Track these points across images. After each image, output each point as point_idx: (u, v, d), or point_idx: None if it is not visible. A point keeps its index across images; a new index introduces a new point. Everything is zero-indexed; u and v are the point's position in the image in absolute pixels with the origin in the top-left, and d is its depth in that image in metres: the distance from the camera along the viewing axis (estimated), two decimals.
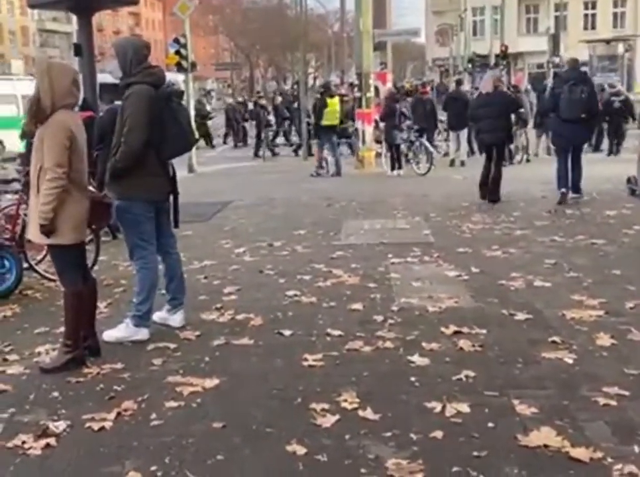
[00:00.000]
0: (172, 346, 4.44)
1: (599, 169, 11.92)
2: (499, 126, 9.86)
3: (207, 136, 25.43)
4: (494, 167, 9.99)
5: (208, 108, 27.11)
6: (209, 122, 25.84)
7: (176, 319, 4.84)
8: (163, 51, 48.67)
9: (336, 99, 15.07)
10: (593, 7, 47.23)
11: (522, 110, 15.05)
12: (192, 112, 17.86)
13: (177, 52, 17.09)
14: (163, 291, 4.90)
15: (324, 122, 14.97)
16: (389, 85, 18.64)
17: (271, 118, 23.27)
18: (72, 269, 4.20)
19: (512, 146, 15.16)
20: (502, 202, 9.72)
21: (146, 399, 3.67)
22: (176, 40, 17.34)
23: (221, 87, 65.29)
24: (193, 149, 17.01)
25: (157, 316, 4.84)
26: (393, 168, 14.70)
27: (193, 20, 21.22)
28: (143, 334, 4.60)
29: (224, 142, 26.02)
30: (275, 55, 70.53)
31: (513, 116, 11.11)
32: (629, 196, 9.68)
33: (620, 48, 28.19)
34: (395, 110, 14.58)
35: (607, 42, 29.39)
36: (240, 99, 28.19)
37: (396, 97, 15.25)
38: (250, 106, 26.05)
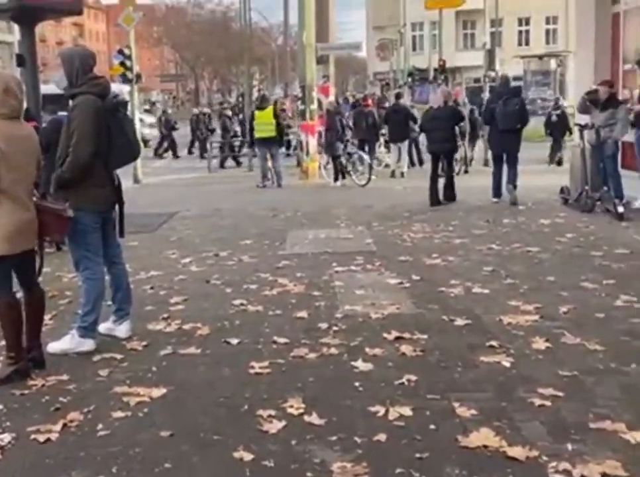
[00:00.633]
0: (119, 356, 4.44)
1: (536, 179, 12.32)
2: (447, 137, 10.91)
3: (173, 147, 25.50)
4: (446, 172, 11.05)
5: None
6: (174, 133, 25.95)
7: (122, 330, 4.84)
8: (107, 62, 48.12)
9: (268, 111, 15.17)
10: (527, 24, 49.09)
11: (462, 123, 15.48)
12: (137, 123, 17.77)
13: (122, 63, 17.00)
14: (110, 302, 4.90)
15: (257, 135, 15.19)
16: (332, 98, 18.84)
17: (238, 128, 23.43)
18: (3, 280, 4.10)
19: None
20: (441, 210, 10.08)
21: (92, 409, 3.67)
22: (120, 52, 17.25)
23: (166, 98, 64.83)
24: (139, 159, 16.97)
25: (103, 327, 4.83)
26: (336, 179, 14.89)
27: (137, 31, 21.10)
28: (89, 345, 4.58)
29: (190, 152, 25.85)
30: (220, 68, 70.50)
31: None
32: (562, 205, 10.04)
33: (552, 63, 29.01)
34: (336, 122, 14.82)
35: (540, 57, 30.21)
36: (205, 110, 28.12)
37: (338, 110, 15.47)
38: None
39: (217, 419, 3.52)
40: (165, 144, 25.94)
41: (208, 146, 22.03)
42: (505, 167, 10.75)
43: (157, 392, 3.84)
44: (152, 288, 6.20)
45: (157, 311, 5.45)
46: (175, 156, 25.35)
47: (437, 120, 10.93)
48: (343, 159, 14.81)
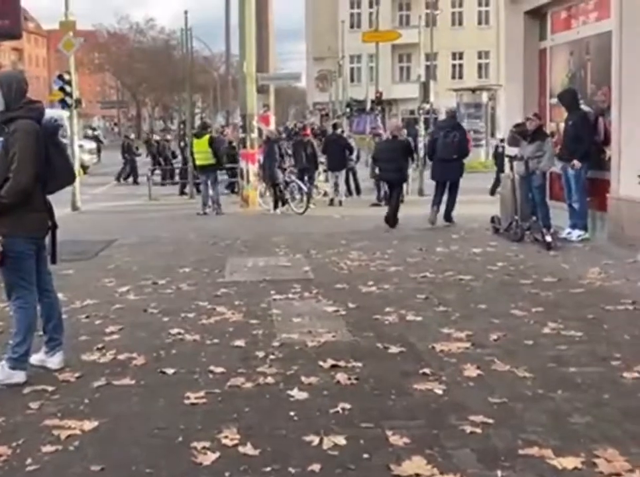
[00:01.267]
0: (50, 388, 4.35)
1: (470, 209, 12.63)
2: (397, 167, 11.98)
3: (134, 173, 25.40)
4: (393, 200, 12.01)
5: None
6: (137, 159, 25.93)
7: (55, 361, 4.74)
8: (47, 87, 47.49)
9: (204, 139, 15.27)
10: (461, 58, 51.01)
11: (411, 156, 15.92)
12: (76, 149, 17.59)
13: (62, 89, 16.84)
14: (41, 333, 4.81)
15: (197, 162, 15.40)
16: (272, 126, 18.99)
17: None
18: None
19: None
20: (377, 239, 10.35)
21: (21, 443, 3.58)
22: (60, 77, 17.09)
23: (107, 125, 64.19)
24: (77, 186, 16.76)
25: (35, 358, 4.73)
26: (275, 207, 15.00)
27: (78, 57, 20.93)
28: (19, 377, 4.48)
29: (124, 179, 25.65)
30: (162, 95, 70.25)
31: None
32: (493, 234, 10.31)
33: (484, 96, 29.80)
34: (276, 151, 14.99)
35: (473, 90, 30.98)
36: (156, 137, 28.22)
37: (277, 138, 15.64)
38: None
39: (150, 451, 3.48)
40: (128, 170, 25.77)
41: (149, 172, 21.91)
42: (445, 195, 11.70)
43: (89, 425, 3.78)
44: (87, 317, 6.11)
45: (91, 341, 5.36)
46: (135, 182, 25.14)
47: (388, 152, 12.10)
48: (282, 188, 14.94)
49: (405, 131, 13.61)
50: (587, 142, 9.32)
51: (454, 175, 11.60)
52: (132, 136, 32.57)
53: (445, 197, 11.76)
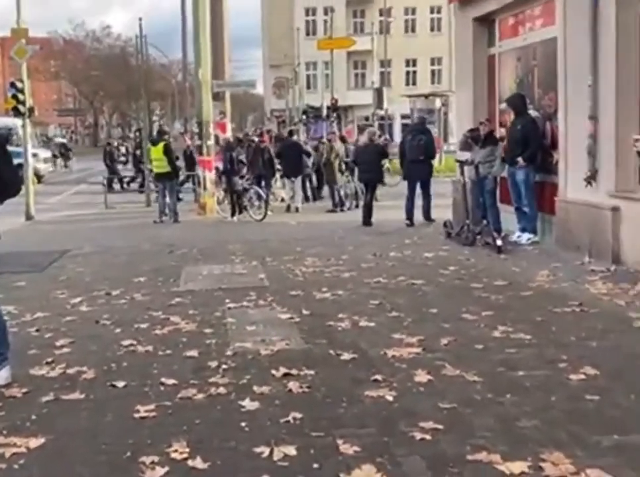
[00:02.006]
0: None
1: (418, 212, 12.80)
2: (373, 169, 13.16)
3: (120, 179, 25.49)
4: (368, 198, 13.08)
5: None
6: (120, 166, 25.80)
7: (1, 376, 4.65)
8: (2, 95, 46.76)
9: (159, 147, 15.20)
10: (414, 65, 51.66)
11: (349, 159, 16.35)
12: (30, 158, 17.34)
13: (14, 96, 16.60)
14: None
15: (154, 170, 15.41)
16: (229, 134, 18.96)
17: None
18: None
19: (342, 193, 16.22)
20: (331, 245, 10.48)
21: None
22: (13, 84, 16.86)
23: (64, 133, 63.33)
24: (32, 195, 16.52)
25: None
26: (233, 214, 14.98)
27: (32, 64, 20.72)
28: None
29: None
30: (119, 103, 69.68)
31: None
32: (445, 239, 10.43)
33: (437, 102, 30.24)
34: (232, 158, 14.99)
35: (426, 96, 31.38)
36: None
37: (232, 146, 15.65)
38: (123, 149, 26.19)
39: (98, 467, 3.43)
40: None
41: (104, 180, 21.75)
42: (416, 195, 12.66)
43: (35, 442, 3.70)
44: (37, 330, 6.01)
45: (41, 354, 5.27)
46: (122, 188, 25.21)
47: (365, 155, 13.31)
48: (240, 195, 14.94)
49: (375, 135, 14.42)
50: (535, 146, 9.48)
51: (422, 174, 12.52)
52: (116, 143, 32.34)
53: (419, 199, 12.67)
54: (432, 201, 12.77)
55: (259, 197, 14.82)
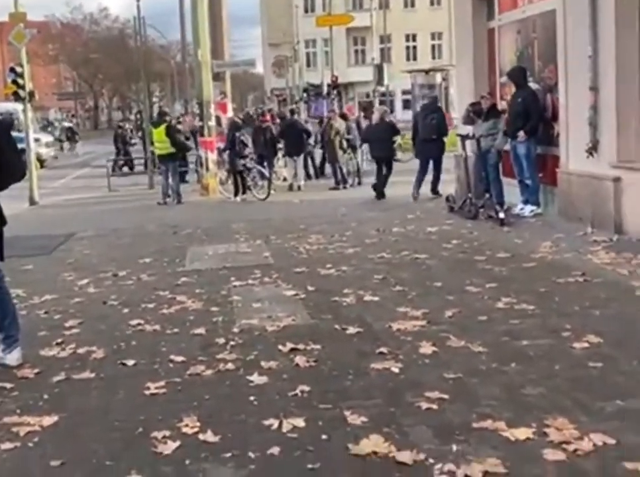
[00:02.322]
0: (8, 385, 4.33)
1: (426, 188, 12.83)
2: (385, 146, 13.58)
3: (131, 162, 25.38)
4: (385, 174, 13.45)
5: None
6: (131, 149, 25.84)
7: (12, 358, 4.71)
8: (2, 81, 46.66)
9: (161, 129, 15.19)
10: (414, 40, 51.20)
11: (350, 136, 16.38)
12: (32, 143, 17.36)
13: (14, 81, 16.58)
14: None
15: (156, 152, 15.39)
16: (230, 113, 18.91)
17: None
18: None
19: (344, 171, 16.28)
20: (336, 222, 10.47)
21: None
22: (12, 69, 16.84)
23: (64, 116, 63.23)
24: (35, 180, 16.56)
25: None
26: (236, 194, 15.00)
27: (31, 49, 20.67)
28: None
29: (119, 169, 25.31)
30: (119, 85, 69.43)
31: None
32: (448, 213, 10.46)
33: (438, 77, 30.00)
34: (235, 138, 14.97)
35: (427, 72, 31.12)
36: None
37: (237, 126, 15.62)
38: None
39: (111, 444, 3.50)
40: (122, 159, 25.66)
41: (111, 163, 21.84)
42: (428, 172, 12.89)
43: (48, 420, 3.77)
44: (46, 312, 6.07)
45: (50, 335, 5.34)
46: (131, 170, 25.08)
47: (376, 133, 13.71)
48: (244, 174, 14.95)
49: (386, 113, 14.90)
50: (535, 118, 9.46)
51: (434, 153, 12.73)
52: (127, 125, 32.27)
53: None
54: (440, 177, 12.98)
55: (262, 176, 14.84)
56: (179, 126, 19.42)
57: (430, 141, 12.63)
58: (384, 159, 13.55)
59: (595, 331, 4.66)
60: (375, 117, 14.36)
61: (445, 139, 13.24)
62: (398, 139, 16.56)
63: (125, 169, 25.29)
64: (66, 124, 45.02)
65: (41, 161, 25.78)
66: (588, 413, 3.49)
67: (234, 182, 15.18)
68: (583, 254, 7.13)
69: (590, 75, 8.22)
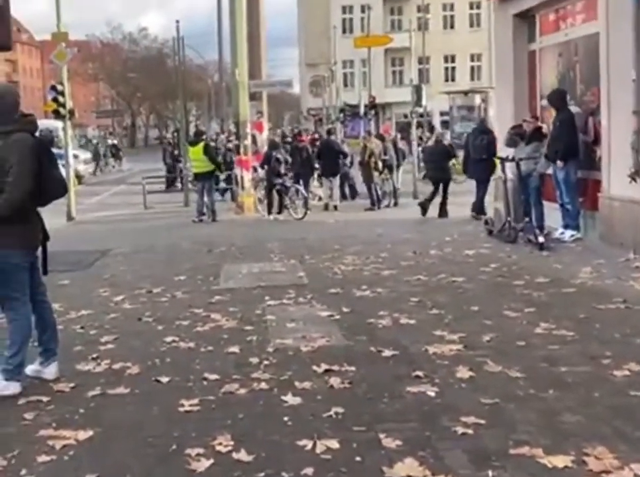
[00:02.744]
0: (45, 399, 4.36)
1: (464, 211, 12.77)
2: (441, 166, 14.46)
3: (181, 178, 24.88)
4: (442, 195, 14.22)
5: None
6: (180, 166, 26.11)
7: (50, 371, 4.76)
8: (42, 98, 47.65)
9: (198, 147, 15.33)
10: (453, 61, 51.28)
11: (387, 157, 16.42)
12: (71, 159, 17.64)
13: (55, 99, 16.90)
14: (36, 343, 4.83)
15: (192, 170, 15.56)
16: (266, 134, 19.03)
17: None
18: None
19: (380, 192, 16.30)
20: (371, 243, 10.44)
21: (16, 454, 3.60)
22: (53, 87, 17.17)
23: (102, 134, 64.44)
24: (73, 196, 16.81)
25: (30, 369, 4.75)
26: (270, 212, 15.06)
27: (72, 67, 21.09)
28: (15, 387, 4.50)
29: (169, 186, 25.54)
30: (156, 103, 70.43)
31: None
32: (487, 236, 10.38)
33: (477, 99, 29.99)
34: (271, 157, 15.09)
35: (465, 93, 31.17)
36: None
37: (274, 144, 15.73)
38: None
39: (145, 459, 3.50)
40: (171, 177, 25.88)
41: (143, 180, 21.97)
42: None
43: (84, 434, 3.79)
44: (82, 328, 6.12)
45: (86, 350, 5.38)
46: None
47: (433, 155, 14.74)
48: (283, 193, 15.05)
49: (446, 135, 16.58)
50: (571, 141, 9.34)
51: (482, 173, 13.16)
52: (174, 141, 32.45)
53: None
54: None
55: (299, 195, 14.90)
56: (212, 144, 19.64)
57: (479, 161, 13.02)
58: (440, 181, 14.19)
59: (636, 359, 4.56)
60: (432, 139, 15.48)
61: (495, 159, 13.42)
62: (454, 162, 16.90)
63: (178, 185, 25.22)
64: (110, 141, 45.79)
65: (79, 178, 26.17)
66: (629, 442, 3.42)
67: (268, 200, 15.24)
68: (624, 280, 7.02)
69: (634, 99, 8.13)
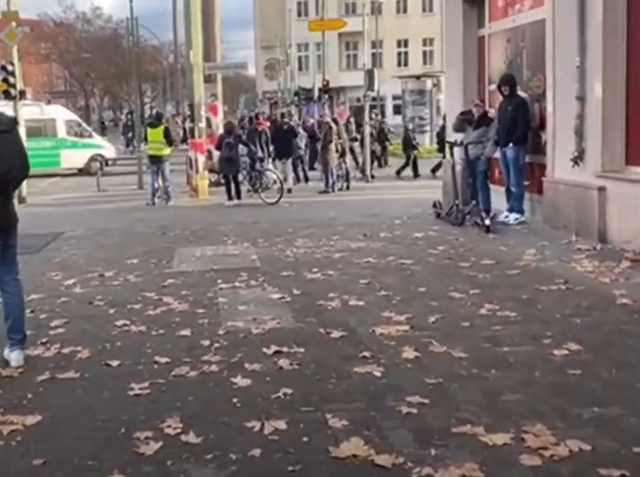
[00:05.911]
0: None
1: (415, 194, 12.91)
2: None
3: None
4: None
5: None
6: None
7: (13, 358, 4.73)
8: None
9: (158, 129, 15.18)
10: (406, 45, 51.39)
11: (341, 140, 16.39)
12: (24, 140, 17.29)
13: (5, 80, 16.54)
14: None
15: (148, 152, 15.37)
16: (221, 116, 18.87)
17: None
18: None
19: (335, 175, 16.31)
20: (322, 226, 10.47)
21: None
22: (3, 68, 16.78)
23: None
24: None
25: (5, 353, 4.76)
26: (230, 198, 14.93)
27: (23, 47, 20.60)
28: None
29: None
30: (111, 85, 69.17)
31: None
32: (435, 219, 10.52)
33: (428, 83, 30.10)
34: (232, 141, 14.92)
35: (417, 77, 31.27)
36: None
37: (228, 128, 15.56)
38: None
39: (93, 443, 3.52)
40: None
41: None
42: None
43: (32, 419, 3.80)
44: (31, 312, 6.03)
45: (36, 335, 5.33)
46: None
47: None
48: (242, 177, 14.93)
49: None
50: (524, 127, 9.53)
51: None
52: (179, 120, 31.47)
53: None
54: None
55: (271, 179, 14.85)
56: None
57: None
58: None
59: (575, 339, 4.72)
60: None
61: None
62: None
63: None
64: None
65: None
66: (566, 420, 3.54)
67: (226, 185, 15.00)
68: (566, 262, 7.21)
69: (577, 85, 8.30)
